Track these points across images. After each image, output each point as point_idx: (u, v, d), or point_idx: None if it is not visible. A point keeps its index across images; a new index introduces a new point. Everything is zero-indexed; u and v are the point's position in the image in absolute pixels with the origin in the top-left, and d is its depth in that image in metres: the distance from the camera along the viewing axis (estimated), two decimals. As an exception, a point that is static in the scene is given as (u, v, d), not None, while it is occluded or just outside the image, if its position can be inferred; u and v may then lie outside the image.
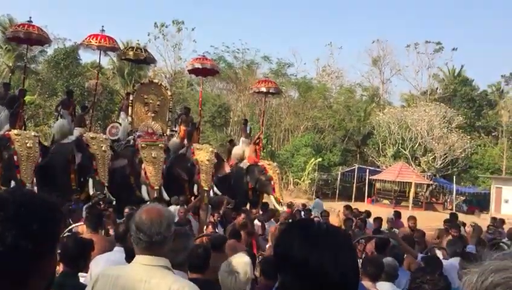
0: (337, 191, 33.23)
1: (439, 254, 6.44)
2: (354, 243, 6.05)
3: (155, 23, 40.57)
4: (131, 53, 15.27)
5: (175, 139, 14.20)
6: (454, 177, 32.61)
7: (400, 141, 34.49)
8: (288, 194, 29.75)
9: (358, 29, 73.88)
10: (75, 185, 11.86)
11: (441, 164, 33.58)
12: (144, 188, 11.76)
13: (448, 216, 11.25)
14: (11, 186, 9.99)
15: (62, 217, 1.26)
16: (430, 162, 33.86)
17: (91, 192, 11.32)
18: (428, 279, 2.91)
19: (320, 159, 33.66)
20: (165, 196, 11.53)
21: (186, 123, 14.61)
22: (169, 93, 15.50)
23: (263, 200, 14.41)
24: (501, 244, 7.49)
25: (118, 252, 4.10)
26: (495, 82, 43.78)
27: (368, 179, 32.49)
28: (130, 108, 14.18)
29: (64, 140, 12.73)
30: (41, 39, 13.43)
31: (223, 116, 37.56)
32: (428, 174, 33.26)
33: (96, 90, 16.61)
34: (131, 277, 2.20)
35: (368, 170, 32.98)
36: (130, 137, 13.32)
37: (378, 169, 34.08)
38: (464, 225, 9.62)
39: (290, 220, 8.87)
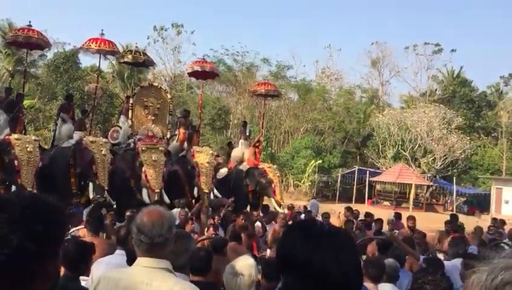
0: (338, 193, 33.24)
1: (440, 257, 6.44)
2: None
3: (154, 27, 40.69)
4: (129, 56, 15.27)
5: (175, 143, 14.21)
6: (454, 178, 32.63)
7: (400, 143, 34.52)
8: (289, 196, 29.74)
9: (357, 31, 74.09)
10: (75, 188, 11.86)
11: (441, 165, 33.60)
12: (144, 191, 11.75)
13: (448, 217, 11.24)
14: (12, 190, 9.99)
15: (66, 220, 1.27)
16: (430, 163, 33.88)
17: (91, 196, 11.33)
18: (430, 279, 2.91)
19: (320, 161, 33.67)
20: (166, 199, 11.52)
21: (185, 126, 14.61)
22: (169, 96, 15.49)
23: (263, 203, 14.41)
24: (502, 244, 7.50)
25: (119, 255, 4.10)
26: (494, 83, 43.91)
27: (368, 180, 32.51)
28: (130, 111, 14.17)
29: (64, 144, 12.74)
30: (41, 43, 13.45)
31: (222, 119, 37.60)
32: (429, 175, 33.27)
33: (96, 93, 16.64)
34: (132, 279, 2.20)
35: (368, 172, 33.00)
36: (130, 140, 13.30)
37: (378, 171, 34.09)
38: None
39: (290, 222, 8.89)
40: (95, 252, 3.76)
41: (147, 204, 9.58)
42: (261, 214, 11.67)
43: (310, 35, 75.86)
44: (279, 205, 13.76)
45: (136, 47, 16.48)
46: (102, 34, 14.36)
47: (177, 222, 7.14)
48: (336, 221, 11.38)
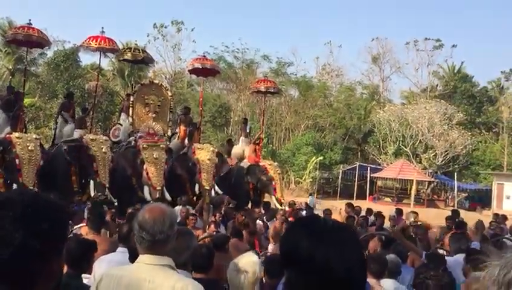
0: (339, 190, 33.25)
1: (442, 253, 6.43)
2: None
3: (154, 24, 40.67)
4: (129, 54, 15.25)
5: (175, 140, 14.21)
6: (455, 174, 32.62)
7: (401, 139, 34.51)
8: (290, 193, 29.78)
9: (358, 27, 73.89)
10: (76, 187, 11.87)
11: (442, 161, 33.59)
12: (146, 189, 11.76)
13: (449, 213, 11.25)
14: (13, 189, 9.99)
15: (68, 218, 1.27)
16: (431, 159, 33.86)
17: (92, 194, 11.34)
18: (432, 275, 2.91)
19: (321, 158, 33.68)
20: (167, 196, 11.54)
21: (185, 123, 14.60)
22: (169, 93, 15.48)
23: (264, 200, 14.42)
24: (504, 240, 7.49)
25: (121, 252, 4.10)
26: (495, 78, 43.89)
27: (369, 177, 32.51)
28: (130, 109, 14.16)
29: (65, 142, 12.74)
30: (41, 41, 13.43)
31: (223, 116, 37.61)
32: (430, 171, 33.27)
33: (96, 92, 16.60)
34: (134, 277, 2.20)
35: (369, 168, 33.01)
36: (131, 138, 13.31)
37: (379, 167, 34.10)
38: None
39: (290, 219, 8.90)
40: (97, 249, 3.76)
41: (149, 202, 9.62)
42: (263, 211, 11.68)
43: (310, 31, 75.83)
44: (280, 203, 13.75)
45: (136, 44, 16.46)
46: (103, 32, 14.36)
47: (178, 220, 7.14)
48: (337, 217, 11.37)
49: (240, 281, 2.87)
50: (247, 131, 16.55)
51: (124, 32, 60.58)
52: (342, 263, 1.17)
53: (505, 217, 12.03)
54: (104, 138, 12.74)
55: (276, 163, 16.39)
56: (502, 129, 38.94)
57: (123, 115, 14.67)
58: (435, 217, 15.93)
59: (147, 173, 11.73)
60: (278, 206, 13.36)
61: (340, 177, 34.18)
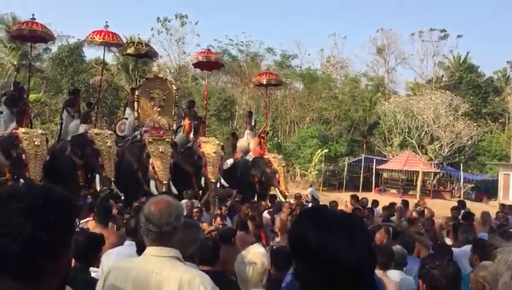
0: (344, 182, 33.20)
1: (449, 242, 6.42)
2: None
3: (158, 18, 40.53)
4: (132, 48, 15.27)
5: (181, 134, 14.23)
6: (461, 164, 32.47)
7: (406, 130, 34.36)
8: (295, 185, 29.77)
9: (362, 19, 73.49)
10: (82, 181, 11.93)
11: (448, 152, 33.44)
12: (152, 183, 11.80)
13: (456, 204, 11.23)
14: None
15: (76, 211, 1.27)
16: (437, 150, 33.72)
17: (98, 188, 11.40)
18: (438, 264, 2.91)
19: (326, 150, 33.60)
20: (174, 190, 11.57)
21: (190, 117, 14.62)
22: (174, 87, 15.47)
23: (271, 192, 14.43)
24: (511, 230, 7.47)
25: (129, 246, 4.12)
26: (501, 68, 43.49)
27: (375, 168, 32.43)
28: (135, 103, 14.18)
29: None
30: (45, 36, 13.46)
31: (228, 110, 37.58)
32: (436, 162, 33.14)
33: (101, 86, 16.62)
34: (142, 269, 2.21)
35: (374, 160, 32.92)
36: (136, 132, 13.34)
37: (385, 159, 34.00)
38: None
39: (295, 211, 8.91)
40: (104, 243, 3.78)
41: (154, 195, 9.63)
42: (269, 204, 11.69)
43: (314, 23, 75.49)
44: (284, 196, 13.75)
45: (139, 38, 16.45)
46: (107, 26, 14.36)
47: (184, 213, 7.16)
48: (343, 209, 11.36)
49: (248, 273, 2.87)
50: (252, 124, 16.55)
51: (128, 27, 60.45)
52: (351, 254, 1.16)
53: (511, 208, 11.99)
54: (109, 132, 12.79)
55: (281, 156, 16.39)
56: (508, 119, 38.69)
57: (128, 110, 14.70)
58: (441, 208, 15.88)
59: (153, 167, 11.77)
60: (282, 199, 13.37)
61: (345, 169, 34.11)
